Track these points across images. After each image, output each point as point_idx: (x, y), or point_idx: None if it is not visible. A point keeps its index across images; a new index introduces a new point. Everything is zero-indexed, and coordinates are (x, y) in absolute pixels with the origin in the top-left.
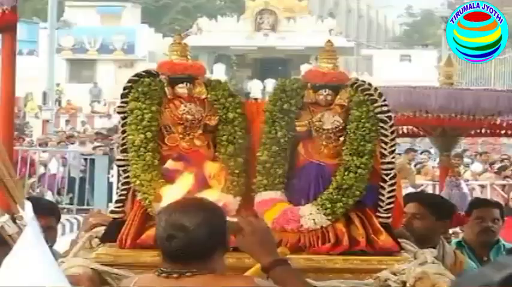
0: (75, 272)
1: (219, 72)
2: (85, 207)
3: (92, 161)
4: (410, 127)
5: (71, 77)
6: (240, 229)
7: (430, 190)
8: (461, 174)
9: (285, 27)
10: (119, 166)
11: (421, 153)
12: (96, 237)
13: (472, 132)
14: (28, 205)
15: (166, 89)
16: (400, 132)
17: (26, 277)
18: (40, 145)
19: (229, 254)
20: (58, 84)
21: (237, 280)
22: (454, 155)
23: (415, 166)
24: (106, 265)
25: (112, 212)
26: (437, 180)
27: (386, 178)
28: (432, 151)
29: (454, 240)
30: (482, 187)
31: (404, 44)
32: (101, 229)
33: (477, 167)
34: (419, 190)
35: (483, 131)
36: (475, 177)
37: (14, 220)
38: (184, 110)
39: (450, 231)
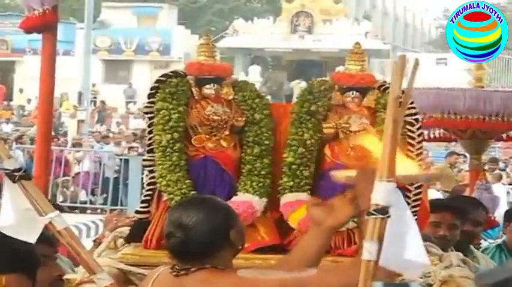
0: None
1: (254, 74)
2: (119, 207)
3: (126, 161)
4: (442, 131)
5: (106, 78)
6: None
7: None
8: (500, 178)
9: (321, 29)
10: (145, 166)
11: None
12: (120, 237)
13: (504, 136)
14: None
15: (193, 89)
16: (432, 136)
17: None
18: (74, 145)
19: (253, 255)
20: (94, 85)
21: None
22: (489, 160)
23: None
24: (131, 265)
25: (137, 212)
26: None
27: None
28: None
29: (493, 243)
30: None
31: (440, 48)
32: (125, 229)
33: None
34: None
35: None
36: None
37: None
38: (211, 110)
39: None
